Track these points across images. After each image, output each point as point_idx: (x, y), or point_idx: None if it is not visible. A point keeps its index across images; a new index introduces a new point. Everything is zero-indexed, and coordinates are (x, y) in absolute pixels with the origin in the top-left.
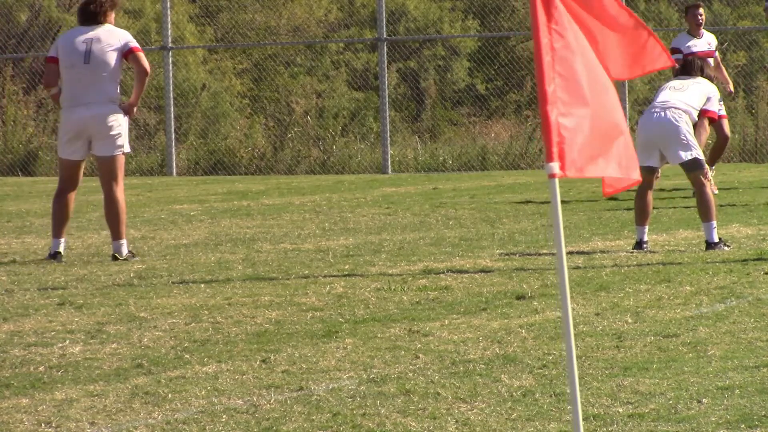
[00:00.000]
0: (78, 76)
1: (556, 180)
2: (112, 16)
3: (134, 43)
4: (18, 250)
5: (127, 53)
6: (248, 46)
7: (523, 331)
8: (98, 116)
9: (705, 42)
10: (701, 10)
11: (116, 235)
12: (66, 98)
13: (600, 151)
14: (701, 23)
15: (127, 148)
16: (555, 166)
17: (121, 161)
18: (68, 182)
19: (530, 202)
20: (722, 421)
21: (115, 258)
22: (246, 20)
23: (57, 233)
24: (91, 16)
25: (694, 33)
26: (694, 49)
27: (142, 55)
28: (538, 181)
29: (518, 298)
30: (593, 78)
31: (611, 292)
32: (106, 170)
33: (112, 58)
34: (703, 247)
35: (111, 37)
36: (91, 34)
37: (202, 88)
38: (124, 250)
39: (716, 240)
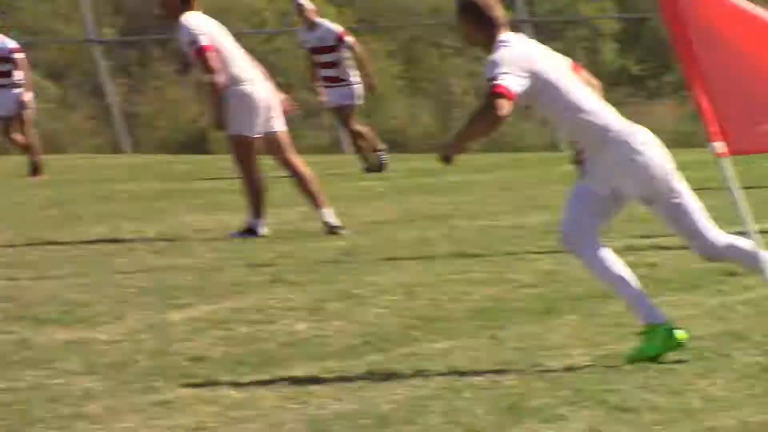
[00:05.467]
0: (241, 55)
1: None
2: None
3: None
4: (214, 227)
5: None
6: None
7: (743, 308)
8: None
9: None
10: None
11: (319, 204)
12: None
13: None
14: None
15: None
16: (720, 145)
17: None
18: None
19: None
20: None
21: (327, 225)
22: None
23: (259, 212)
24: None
25: None
26: None
27: None
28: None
29: (729, 275)
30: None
31: None
32: (284, 144)
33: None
34: None
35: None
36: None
37: None
38: (331, 218)
39: None
